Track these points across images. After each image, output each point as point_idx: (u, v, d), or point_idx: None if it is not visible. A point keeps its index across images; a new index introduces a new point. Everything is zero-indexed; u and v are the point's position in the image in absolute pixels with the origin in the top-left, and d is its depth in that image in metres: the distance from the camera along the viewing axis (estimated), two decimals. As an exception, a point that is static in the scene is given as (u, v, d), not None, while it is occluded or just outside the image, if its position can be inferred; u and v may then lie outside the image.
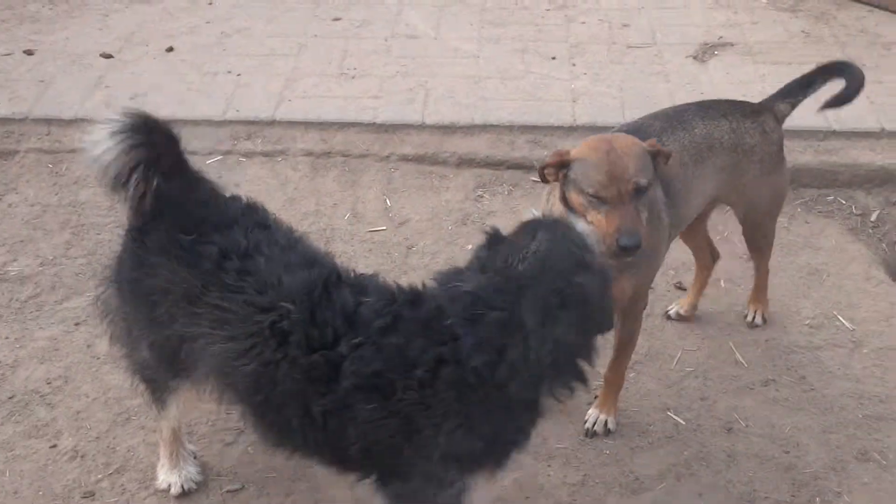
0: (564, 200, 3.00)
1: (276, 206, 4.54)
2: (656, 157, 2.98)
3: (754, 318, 4.03)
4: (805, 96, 3.68)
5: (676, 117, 3.39)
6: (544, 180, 3.07)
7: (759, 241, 3.81)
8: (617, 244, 2.82)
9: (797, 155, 4.78)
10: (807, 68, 5.20)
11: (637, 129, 3.28)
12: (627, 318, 3.36)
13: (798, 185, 4.71)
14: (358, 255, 4.38)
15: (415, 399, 2.46)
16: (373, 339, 2.48)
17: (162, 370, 2.93)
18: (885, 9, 5.93)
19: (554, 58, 5.56)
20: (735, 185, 3.50)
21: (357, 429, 2.53)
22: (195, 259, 2.67)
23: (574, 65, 5.49)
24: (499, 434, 2.57)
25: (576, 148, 3.00)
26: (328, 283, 2.61)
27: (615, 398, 3.55)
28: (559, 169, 2.98)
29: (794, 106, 3.68)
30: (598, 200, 2.87)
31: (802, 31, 5.76)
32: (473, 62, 5.48)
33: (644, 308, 3.46)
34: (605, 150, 2.89)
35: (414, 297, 2.58)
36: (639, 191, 2.87)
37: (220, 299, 2.61)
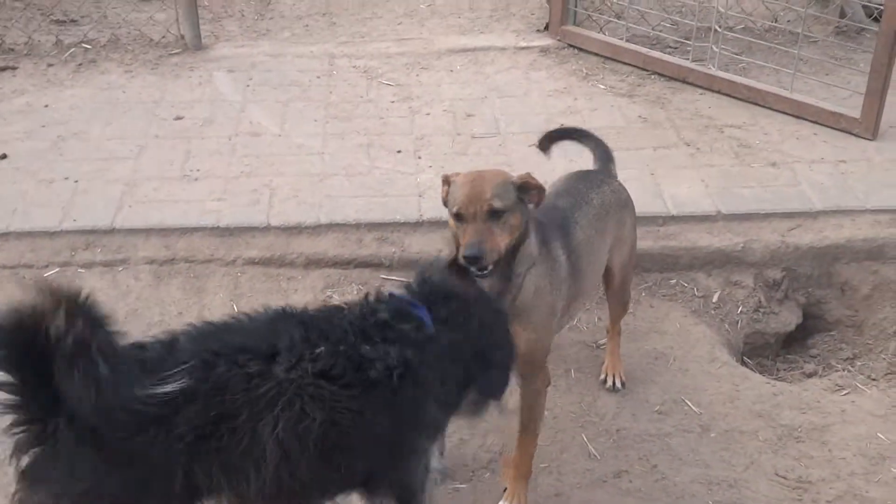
0: None
1: (119, 318, 4.37)
2: (527, 189, 3.28)
3: (613, 382, 4.12)
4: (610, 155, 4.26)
5: (574, 194, 3.82)
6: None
7: (624, 297, 4.17)
8: (462, 255, 3.10)
9: (640, 240, 4.88)
10: (646, 153, 5.47)
11: (552, 208, 3.64)
12: (526, 380, 3.45)
13: (641, 270, 4.81)
14: (203, 366, 4.23)
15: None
16: None
17: None
18: (717, 91, 6.17)
19: (399, 151, 5.58)
20: (619, 238, 3.94)
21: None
22: None
23: (419, 157, 5.53)
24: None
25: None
26: None
27: (525, 487, 3.58)
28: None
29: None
30: (459, 218, 3.20)
31: (640, 117, 5.94)
32: (318, 159, 5.45)
33: (544, 377, 3.55)
34: (472, 177, 3.25)
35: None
36: (493, 212, 3.16)
37: None
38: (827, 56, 6.55)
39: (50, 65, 6.50)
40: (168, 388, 2.44)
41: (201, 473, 2.53)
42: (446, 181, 3.34)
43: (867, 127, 5.63)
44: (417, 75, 6.53)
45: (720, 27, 6.26)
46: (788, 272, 4.94)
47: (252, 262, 4.77)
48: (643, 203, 5.03)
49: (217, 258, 4.78)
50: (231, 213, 4.96)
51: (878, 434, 4.03)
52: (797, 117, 5.89)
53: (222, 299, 4.60)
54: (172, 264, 4.76)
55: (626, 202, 3.99)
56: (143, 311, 4.53)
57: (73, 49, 6.66)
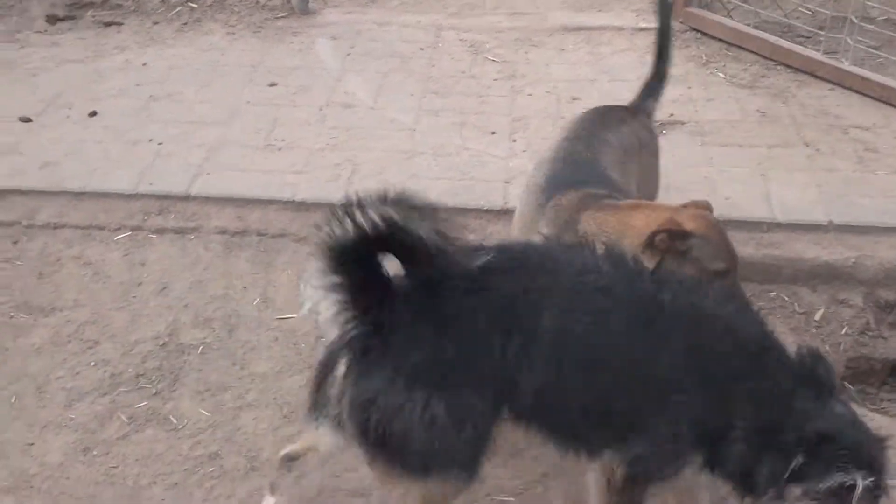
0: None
1: (183, 288, 4.29)
2: None
3: None
4: (663, 87, 4.15)
5: (594, 139, 3.69)
6: (650, 247, 3.07)
7: None
8: None
9: (739, 247, 4.48)
10: (759, 151, 5.04)
11: (588, 162, 3.60)
12: None
13: (739, 278, 4.41)
14: (262, 345, 4.10)
15: None
16: None
17: None
18: (848, 88, 5.67)
19: (494, 132, 5.31)
20: (642, 178, 3.82)
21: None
22: None
23: (514, 140, 5.24)
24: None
25: (686, 221, 3.11)
26: None
27: None
28: (674, 241, 3.06)
29: (657, 101, 4.16)
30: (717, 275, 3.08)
31: (758, 111, 5.50)
32: (408, 136, 5.23)
33: None
34: (720, 230, 3.19)
35: None
36: None
37: None
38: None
39: (155, 22, 6.46)
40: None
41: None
42: (680, 230, 3.07)
43: None
44: (526, 52, 6.22)
45: (857, 17, 5.71)
46: (903, 294, 4.47)
47: (325, 240, 4.55)
48: (747, 206, 4.67)
49: (290, 233, 4.63)
50: (309, 186, 4.79)
51: None
52: (941, 121, 5.35)
53: (290, 276, 4.44)
54: (244, 236, 4.62)
55: (646, 144, 3.87)
56: (209, 282, 4.41)
57: (179, 7, 6.61)
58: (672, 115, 5.47)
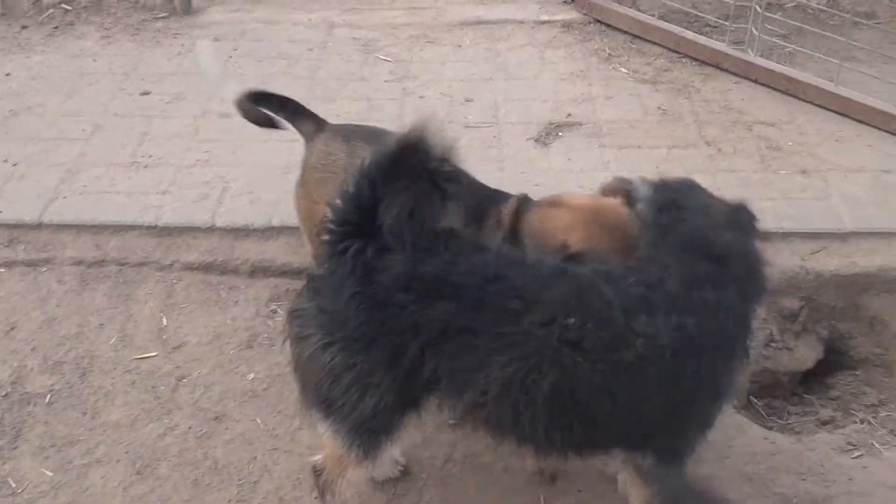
0: None
1: (31, 328, 3.93)
2: None
3: None
4: None
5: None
6: None
7: None
8: None
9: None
10: (658, 152, 4.77)
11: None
12: None
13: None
14: (117, 390, 3.77)
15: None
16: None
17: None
18: (754, 80, 5.42)
19: (381, 139, 4.96)
20: None
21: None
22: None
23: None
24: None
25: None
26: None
27: None
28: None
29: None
30: None
31: (659, 108, 5.24)
32: (286, 147, 4.87)
33: None
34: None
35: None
36: None
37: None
38: (888, 43, 5.67)
39: (24, 27, 6.04)
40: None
41: (430, 365, 2.67)
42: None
43: (924, 132, 4.84)
44: (421, 50, 5.89)
45: (762, 6, 5.46)
46: (808, 302, 4.26)
47: (190, 268, 4.26)
48: (643, 215, 4.35)
49: (152, 261, 4.29)
50: (174, 209, 4.44)
51: (889, 514, 3.36)
52: (841, 115, 5.13)
53: (151, 310, 4.10)
54: (101, 266, 4.27)
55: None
56: (61, 320, 4.05)
57: (51, 10, 6.17)
58: (570, 115, 5.19)
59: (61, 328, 4.00)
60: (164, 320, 4.04)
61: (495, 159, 4.83)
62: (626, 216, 2.97)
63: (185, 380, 3.84)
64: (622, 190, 3.08)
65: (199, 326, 4.03)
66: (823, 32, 5.58)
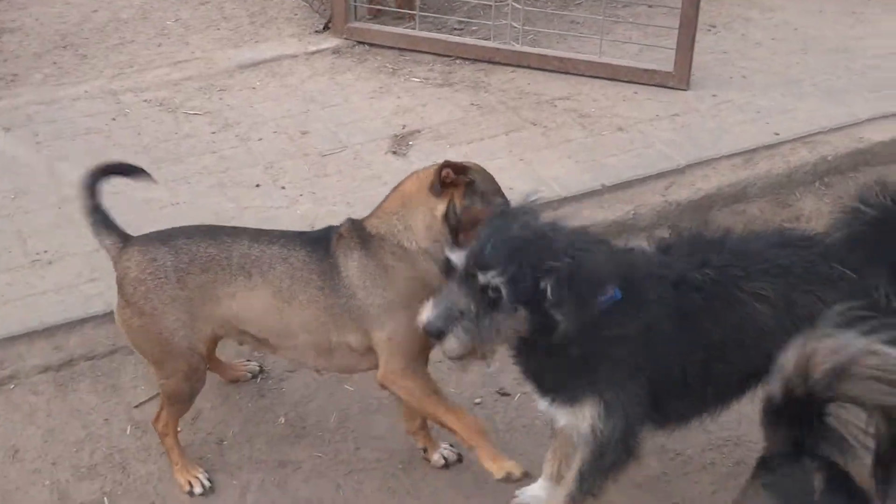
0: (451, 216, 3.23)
1: (37, 445, 3.81)
2: None
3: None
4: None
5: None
6: (439, 186, 3.21)
7: None
8: None
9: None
10: (502, 140, 5.44)
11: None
12: None
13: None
14: (166, 469, 3.75)
15: None
16: None
17: None
18: (527, 66, 6.25)
19: (258, 185, 5.18)
20: None
21: None
22: None
23: (283, 188, 5.16)
24: None
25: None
26: None
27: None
28: (458, 173, 3.22)
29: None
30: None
31: (472, 104, 5.90)
32: (174, 211, 4.92)
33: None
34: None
35: None
36: None
37: None
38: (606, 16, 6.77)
39: None
40: None
41: None
42: (464, 167, 3.28)
43: (681, 79, 5.96)
44: (220, 98, 6.07)
45: (518, 2, 6.31)
46: (674, 229, 5.14)
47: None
48: (531, 189, 5.00)
49: (121, 346, 4.21)
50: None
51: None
52: (612, 80, 6.11)
53: (146, 392, 4.07)
54: (71, 367, 4.17)
55: None
56: (63, 428, 3.93)
57: None
58: (404, 126, 5.70)
59: (68, 435, 3.87)
60: (168, 396, 4.03)
61: (372, 176, 5.23)
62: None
63: (224, 442, 3.91)
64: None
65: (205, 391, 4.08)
66: (558, 12, 6.58)
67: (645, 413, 3.10)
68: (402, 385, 3.37)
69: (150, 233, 3.52)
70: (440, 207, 3.24)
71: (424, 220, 3.27)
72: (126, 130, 5.70)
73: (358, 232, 3.37)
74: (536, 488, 3.58)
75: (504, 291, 2.76)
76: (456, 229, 3.25)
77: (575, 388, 3.02)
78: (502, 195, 3.32)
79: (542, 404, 3.15)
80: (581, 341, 2.88)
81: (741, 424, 3.97)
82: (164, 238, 3.45)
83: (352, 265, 3.33)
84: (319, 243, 3.42)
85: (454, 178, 3.22)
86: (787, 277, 3.03)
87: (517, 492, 3.61)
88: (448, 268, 2.93)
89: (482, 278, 2.78)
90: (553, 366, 3.01)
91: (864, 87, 5.97)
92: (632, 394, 3.04)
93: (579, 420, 3.05)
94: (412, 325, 3.17)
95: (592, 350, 2.94)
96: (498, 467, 3.29)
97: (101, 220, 3.48)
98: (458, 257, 2.88)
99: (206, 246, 3.41)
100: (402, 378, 3.36)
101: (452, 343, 2.85)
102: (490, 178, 3.34)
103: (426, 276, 3.31)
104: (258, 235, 3.48)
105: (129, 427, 3.93)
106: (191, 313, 3.38)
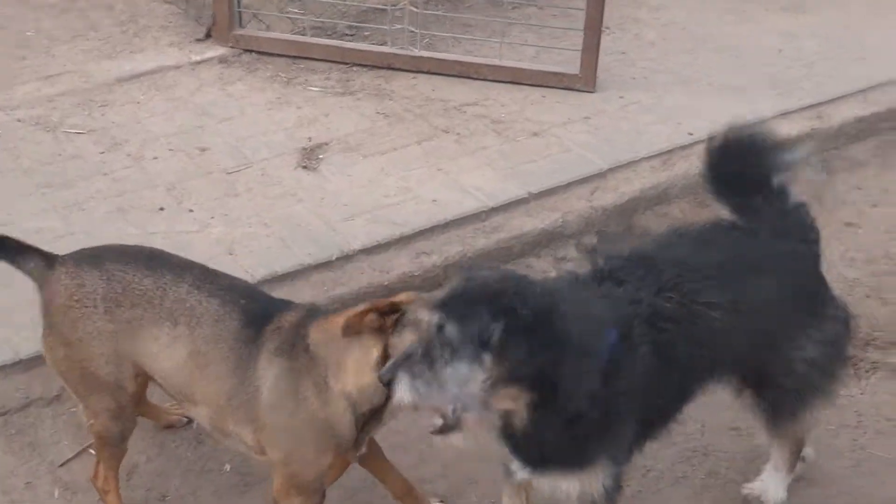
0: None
1: None
2: None
3: None
4: None
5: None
6: (354, 332, 2.81)
7: None
8: None
9: (469, 241, 4.71)
10: (415, 149, 5.21)
11: None
12: None
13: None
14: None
15: None
16: None
17: None
18: (427, 72, 6.04)
19: (162, 209, 4.78)
20: None
21: None
22: None
23: (191, 210, 4.79)
24: None
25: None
26: None
27: None
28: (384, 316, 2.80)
29: None
30: None
31: (378, 112, 5.65)
32: (71, 243, 4.42)
33: None
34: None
35: None
36: None
37: None
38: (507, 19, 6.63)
39: None
40: None
41: None
42: (391, 306, 2.86)
43: (587, 81, 5.88)
44: (103, 115, 5.61)
45: (416, 6, 6.09)
46: (600, 234, 5.05)
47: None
48: (454, 203, 4.87)
49: (35, 398, 3.85)
50: (25, 338, 3.90)
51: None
52: (516, 83, 5.97)
53: (70, 447, 3.67)
54: (-19, 424, 3.68)
55: None
56: (-16, 495, 3.45)
57: None
58: (310, 139, 5.40)
59: (-8, 504, 3.44)
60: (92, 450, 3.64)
61: (286, 194, 4.92)
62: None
63: (167, 497, 3.57)
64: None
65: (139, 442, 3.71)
66: (474, 16, 6.40)
67: (632, 450, 3.02)
68: None
69: (84, 250, 3.17)
70: (374, 355, 2.83)
71: (357, 367, 2.87)
72: (1, 154, 5.16)
73: (299, 335, 2.96)
74: None
75: (457, 334, 2.51)
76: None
77: (583, 452, 2.82)
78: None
79: (524, 473, 2.94)
80: (587, 398, 2.67)
81: (704, 434, 3.91)
82: (98, 260, 3.09)
83: (271, 370, 2.96)
84: (257, 321, 3.02)
85: (380, 321, 2.82)
86: (724, 277, 3.01)
87: None
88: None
89: (436, 320, 2.54)
90: (552, 432, 2.75)
91: (762, 84, 6.03)
92: (626, 441, 2.93)
93: (587, 485, 2.88)
94: (310, 460, 2.97)
95: (599, 407, 2.72)
96: None
97: (13, 248, 3.11)
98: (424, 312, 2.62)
99: (143, 277, 3.05)
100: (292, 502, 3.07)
101: (401, 390, 2.56)
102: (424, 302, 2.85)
103: (338, 426, 2.93)
104: (205, 278, 3.11)
105: (56, 490, 3.55)
106: (116, 349, 3.05)
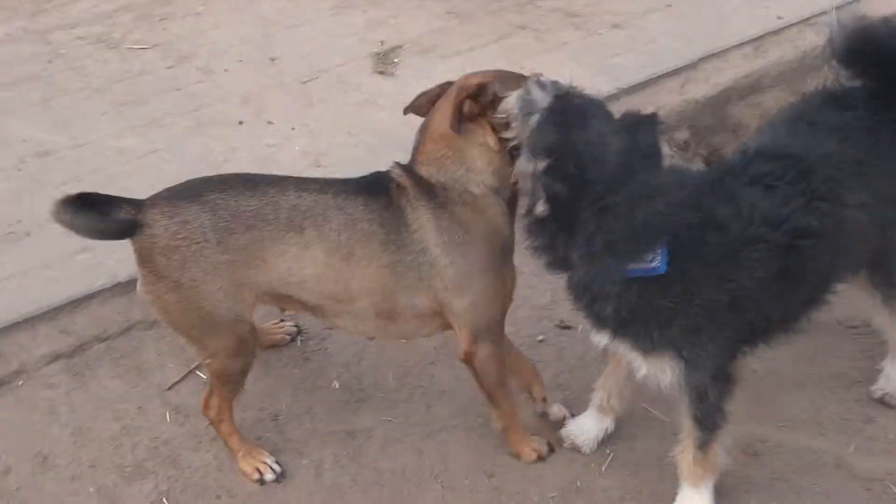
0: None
1: (67, 447, 3.30)
2: None
3: None
4: None
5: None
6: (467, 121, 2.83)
7: None
8: None
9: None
10: (494, 48, 4.98)
11: None
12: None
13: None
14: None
15: None
16: None
17: None
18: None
19: (241, 122, 4.62)
20: None
21: None
22: None
23: (271, 123, 4.62)
24: None
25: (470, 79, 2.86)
26: None
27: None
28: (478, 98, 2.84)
29: None
30: None
31: (448, 13, 5.42)
32: (160, 160, 4.38)
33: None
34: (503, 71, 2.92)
35: None
36: None
37: None
38: None
39: None
40: None
41: None
42: (480, 87, 2.86)
43: (665, -35, 5.57)
44: (164, 28, 5.42)
45: None
46: (692, 129, 4.84)
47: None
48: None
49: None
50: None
51: None
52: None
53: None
54: (83, 351, 3.63)
55: None
56: (97, 420, 3.41)
57: None
58: (382, 42, 5.19)
59: (101, 431, 3.38)
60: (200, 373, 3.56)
61: (369, 102, 4.74)
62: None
63: (280, 417, 3.48)
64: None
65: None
66: None
67: (737, 345, 2.87)
68: (487, 357, 3.03)
69: (169, 189, 2.94)
70: (490, 139, 2.82)
71: (483, 157, 2.85)
72: (68, 73, 5.02)
73: (417, 180, 2.90)
74: (585, 418, 3.31)
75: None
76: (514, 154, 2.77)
77: (649, 333, 2.72)
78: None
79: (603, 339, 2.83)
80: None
81: (820, 334, 3.73)
82: (192, 194, 2.88)
83: (424, 219, 2.87)
84: (377, 191, 2.92)
85: (478, 108, 2.81)
86: (868, 171, 2.84)
87: (567, 421, 3.35)
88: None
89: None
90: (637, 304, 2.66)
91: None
92: (705, 343, 2.76)
93: (657, 370, 2.79)
94: (495, 288, 2.90)
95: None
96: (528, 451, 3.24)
97: (98, 200, 2.85)
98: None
99: (248, 198, 2.88)
100: (487, 350, 3.01)
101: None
102: (514, 76, 2.89)
103: (501, 227, 2.91)
104: (303, 183, 2.97)
105: (167, 413, 3.45)
106: (236, 280, 2.88)
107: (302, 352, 3.71)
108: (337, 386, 3.58)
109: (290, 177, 3.02)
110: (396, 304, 2.95)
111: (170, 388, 3.55)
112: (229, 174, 3.05)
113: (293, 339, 3.72)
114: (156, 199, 2.89)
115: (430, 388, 3.55)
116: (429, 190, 2.87)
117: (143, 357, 3.63)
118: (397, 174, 2.93)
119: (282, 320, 3.73)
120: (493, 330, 3.00)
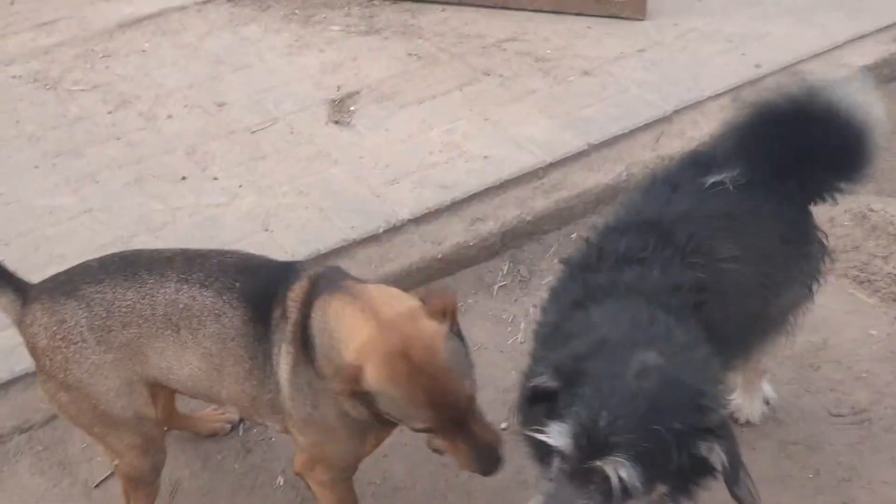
0: None
1: None
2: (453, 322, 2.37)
3: None
4: None
5: None
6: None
7: None
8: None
9: (527, 202, 4.24)
10: (455, 96, 4.71)
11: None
12: None
13: (540, 233, 4.21)
14: None
15: None
16: None
17: None
18: (459, 3, 5.49)
19: (184, 177, 4.30)
20: None
21: None
22: None
23: (216, 178, 4.30)
24: None
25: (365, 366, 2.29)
26: None
27: None
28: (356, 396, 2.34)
29: None
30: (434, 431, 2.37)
31: (409, 54, 5.13)
32: (90, 220, 4.04)
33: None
34: (402, 353, 2.26)
35: None
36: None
37: None
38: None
39: None
40: None
41: None
42: (355, 378, 2.27)
43: (636, 8, 5.35)
44: (107, 67, 5.09)
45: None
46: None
47: None
48: (508, 159, 4.39)
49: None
50: None
51: None
52: (558, 13, 5.43)
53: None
54: None
55: None
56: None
57: None
58: (339, 88, 4.89)
59: None
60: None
61: (320, 154, 4.43)
62: (444, 355, 2.28)
63: None
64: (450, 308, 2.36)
65: (180, 456, 3.30)
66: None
67: None
68: (322, 483, 2.78)
69: (56, 277, 2.66)
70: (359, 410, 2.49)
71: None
72: (0, 118, 4.66)
73: (304, 306, 2.51)
74: None
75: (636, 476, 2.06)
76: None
77: None
78: (420, 412, 2.34)
79: None
80: None
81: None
82: (70, 288, 2.60)
83: (285, 365, 2.55)
84: (261, 305, 2.56)
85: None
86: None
87: None
88: (543, 454, 2.24)
89: (605, 467, 2.07)
90: None
91: (830, 5, 5.46)
92: None
93: None
94: (347, 446, 2.64)
95: None
96: None
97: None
98: (558, 438, 2.10)
99: (125, 290, 2.58)
100: (324, 476, 2.76)
101: None
102: (403, 396, 2.32)
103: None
104: (189, 269, 2.62)
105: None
106: (124, 378, 2.62)
107: (243, 442, 3.40)
108: (281, 483, 3.28)
109: (178, 257, 2.68)
110: (261, 418, 2.73)
111: (97, 486, 3.24)
112: (111, 256, 2.74)
113: (234, 428, 3.41)
114: (40, 292, 2.63)
115: (383, 485, 3.25)
116: (305, 335, 2.51)
117: (69, 450, 3.33)
118: (299, 288, 2.54)
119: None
120: (336, 467, 2.74)
